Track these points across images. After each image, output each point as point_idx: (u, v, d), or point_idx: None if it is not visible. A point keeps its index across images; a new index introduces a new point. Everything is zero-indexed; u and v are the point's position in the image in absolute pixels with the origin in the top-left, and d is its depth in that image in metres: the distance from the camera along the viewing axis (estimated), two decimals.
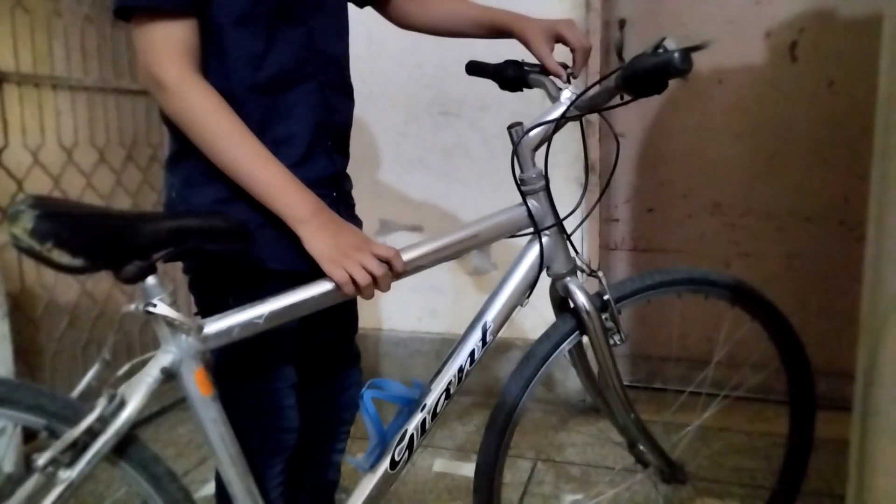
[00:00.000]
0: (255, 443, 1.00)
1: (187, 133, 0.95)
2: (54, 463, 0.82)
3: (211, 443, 0.93)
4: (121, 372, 0.90)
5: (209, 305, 1.02)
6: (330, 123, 1.10)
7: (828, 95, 2.12)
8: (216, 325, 0.91)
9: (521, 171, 1.13)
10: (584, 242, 2.21)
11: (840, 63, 2.09)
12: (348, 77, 1.16)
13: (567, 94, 1.13)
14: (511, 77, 1.23)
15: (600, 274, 1.17)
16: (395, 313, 2.52)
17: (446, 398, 1.09)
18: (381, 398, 1.04)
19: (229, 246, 0.95)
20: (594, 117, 1.15)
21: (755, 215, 2.25)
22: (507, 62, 1.24)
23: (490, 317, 1.11)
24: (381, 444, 1.05)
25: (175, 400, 2.22)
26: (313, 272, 0.97)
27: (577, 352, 1.24)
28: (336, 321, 1.21)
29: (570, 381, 2.31)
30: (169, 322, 0.87)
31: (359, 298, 1.03)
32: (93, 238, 0.81)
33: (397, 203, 2.45)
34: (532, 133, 1.12)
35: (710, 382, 1.50)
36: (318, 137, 1.08)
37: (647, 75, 0.93)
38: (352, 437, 1.33)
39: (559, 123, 1.12)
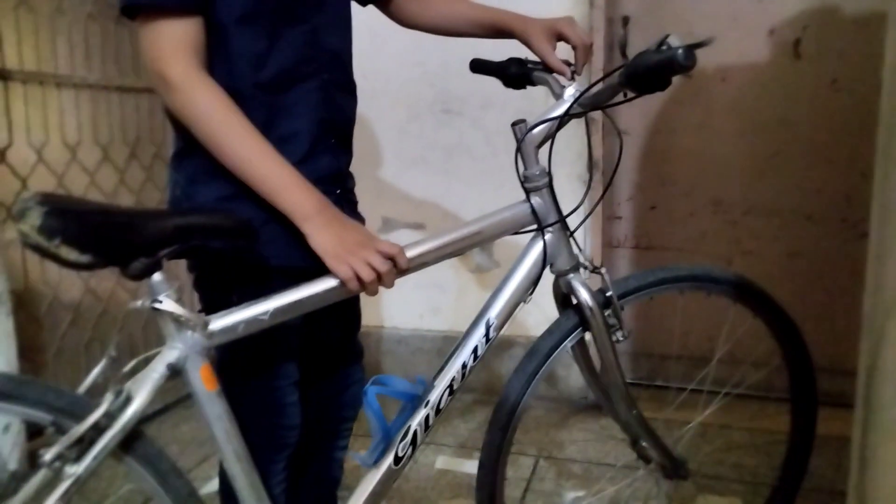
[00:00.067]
0: (257, 439, 1.00)
1: (193, 130, 0.96)
2: (61, 458, 0.83)
3: (216, 438, 0.94)
4: (127, 368, 0.90)
5: (213, 303, 1.02)
6: (333, 121, 1.11)
7: (831, 93, 2.12)
8: (221, 322, 0.92)
9: (525, 168, 1.13)
10: (586, 240, 2.21)
11: (843, 61, 2.09)
12: (351, 75, 1.16)
13: (570, 92, 1.14)
14: (515, 75, 1.24)
15: (603, 270, 1.17)
16: (397, 311, 2.53)
17: (450, 394, 1.09)
18: (385, 394, 1.04)
19: (234, 243, 0.95)
20: (597, 115, 1.15)
21: (757, 213, 2.25)
22: (511, 60, 1.25)
23: (493, 313, 1.12)
24: (385, 440, 1.05)
25: (178, 398, 2.23)
26: (317, 269, 0.97)
27: (580, 348, 1.25)
28: (339, 318, 1.22)
29: (572, 379, 2.31)
30: (175, 318, 0.88)
31: (362, 295, 1.03)
32: (100, 235, 0.81)
33: (399, 201, 2.46)
34: (536, 130, 1.12)
35: (711, 380, 1.50)
36: (322, 135, 1.08)
37: (650, 72, 0.93)
38: (354, 434, 1.33)
39: (563, 120, 1.12)
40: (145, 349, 0.90)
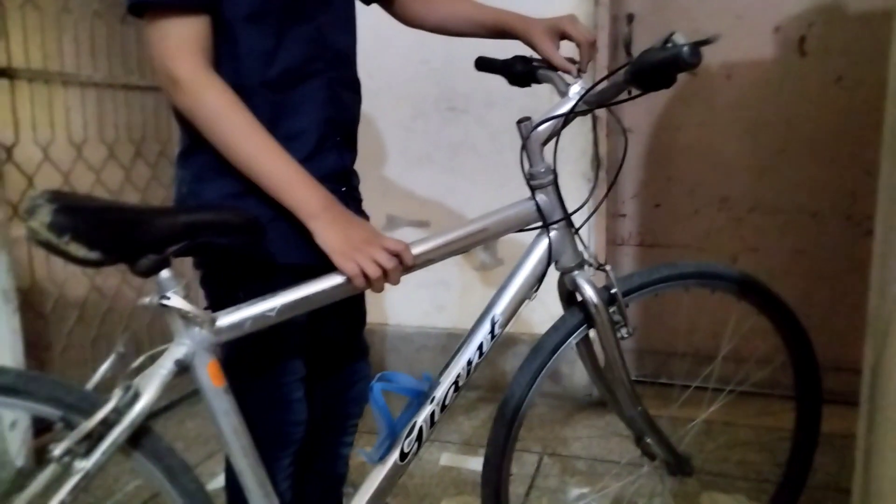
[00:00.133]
0: (263, 435, 1.00)
1: (200, 128, 0.96)
2: (70, 453, 0.83)
3: (223, 434, 0.95)
4: (135, 364, 0.91)
5: (220, 300, 1.03)
6: (339, 119, 1.11)
7: (836, 90, 2.12)
8: (229, 318, 0.92)
9: (530, 165, 1.14)
10: (590, 237, 2.22)
11: (849, 58, 2.09)
12: (356, 73, 1.17)
13: (576, 89, 1.14)
14: (520, 72, 1.24)
15: (608, 268, 1.17)
16: (401, 308, 2.53)
17: (455, 391, 1.10)
18: (391, 390, 1.05)
19: (241, 240, 0.95)
20: (601, 112, 1.16)
21: (762, 210, 2.25)
22: (516, 58, 1.25)
23: (499, 310, 1.12)
24: (391, 436, 1.06)
25: (182, 395, 2.24)
26: (323, 266, 0.98)
27: (585, 345, 1.25)
28: (344, 315, 1.22)
29: (576, 376, 2.32)
30: (183, 315, 0.88)
31: (367, 292, 1.04)
32: (109, 232, 0.82)
33: (404, 199, 2.46)
34: (541, 128, 1.12)
35: (716, 377, 1.50)
36: (327, 133, 1.09)
37: (656, 69, 0.93)
38: (359, 431, 1.34)
39: (568, 118, 1.12)
40: (150, 346, 0.91)
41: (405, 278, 1.01)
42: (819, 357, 1.36)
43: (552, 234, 1.14)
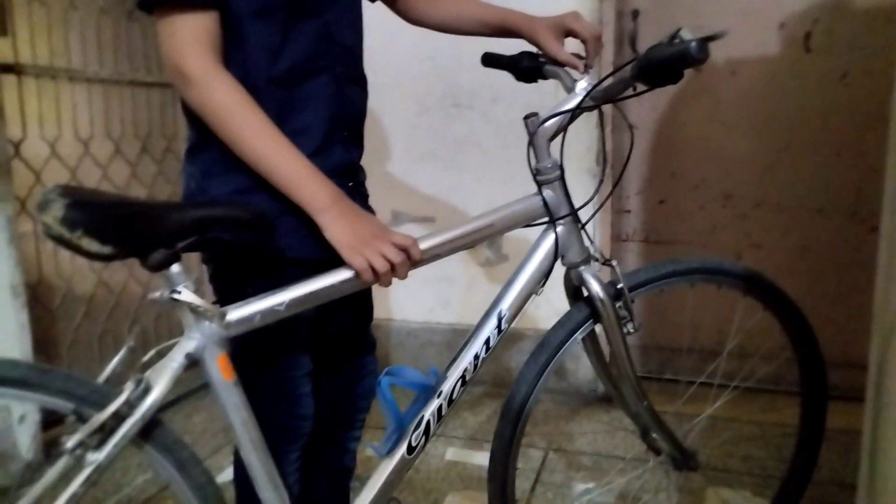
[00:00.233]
0: (271, 430, 1.01)
1: (209, 124, 0.97)
2: (82, 446, 0.84)
3: (233, 427, 0.95)
4: (146, 358, 0.92)
5: (228, 294, 1.03)
6: (345, 114, 1.12)
7: (841, 87, 2.11)
8: (238, 312, 0.93)
9: (537, 161, 1.14)
10: (595, 233, 2.22)
11: (854, 55, 2.08)
12: (362, 68, 1.17)
13: (582, 85, 1.14)
14: (526, 68, 1.24)
15: (614, 263, 1.18)
16: (407, 304, 2.54)
17: (462, 385, 1.11)
18: (399, 385, 1.05)
19: (250, 235, 0.96)
20: (607, 109, 1.16)
21: (767, 207, 2.25)
22: (523, 53, 1.25)
23: (505, 305, 1.13)
24: (399, 430, 1.06)
25: (189, 389, 2.25)
26: (331, 261, 0.98)
27: (591, 340, 1.25)
28: (352, 310, 1.23)
29: (581, 372, 2.32)
30: (193, 309, 0.89)
31: (373, 287, 1.04)
32: (120, 226, 0.83)
33: (409, 195, 2.47)
34: (548, 123, 1.13)
35: (721, 373, 1.51)
36: (334, 128, 1.09)
37: (663, 65, 0.94)
38: (366, 425, 1.35)
39: (575, 114, 1.13)
40: (157, 341, 0.91)
41: (411, 274, 1.01)
42: (824, 353, 1.36)
43: (559, 229, 1.15)
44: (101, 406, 0.85)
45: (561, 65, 1.20)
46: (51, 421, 1.94)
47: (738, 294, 1.30)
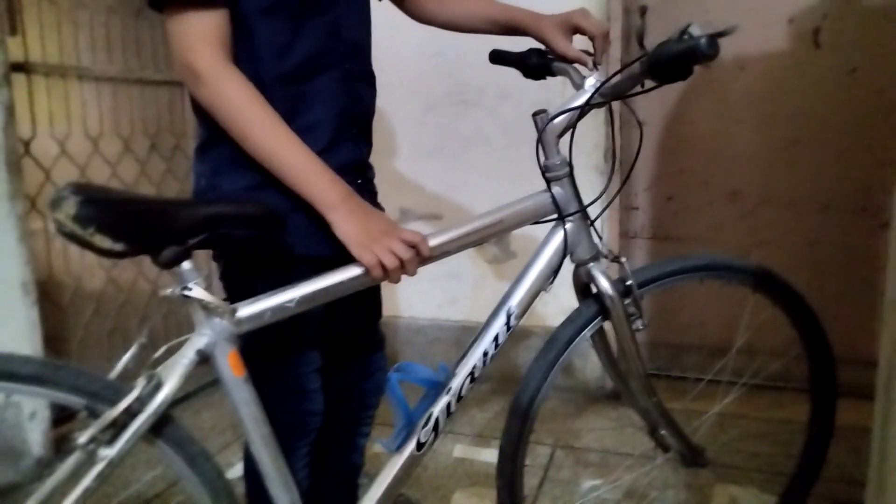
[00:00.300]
0: (280, 425, 1.02)
1: (219, 121, 0.97)
2: (95, 441, 0.85)
3: (243, 423, 0.96)
4: (157, 354, 0.92)
5: (238, 291, 1.04)
6: (354, 111, 1.12)
7: (850, 83, 2.10)
8: (249, 309, 0.94)
9: (546, 157, 1.14)
10: (603, 230, 2.22)
11: (863, 50, 2.07)
12: (371, 65, 1.18)
13: (591, 82, 1.14)
14: (535, 65, 1.24)
15: (623, 259, 1.18)
16: (414, 301, 2.55)
17: (471, 381, 1.11)
18: (408, 381, 1.06)
19: (260, 232, 0.96)
20: (615, 105, 1.16)
21: (775, 203, 2.25)
22: (531, 50, 1.25)
23: (514, 301, 1.13)
24: (408, 426, 1.07)
25: (197, 386, 2.26)
26: (340, 258, 0.99)
27: (600, 337, 1.25)
28: (361, 307, 1.23)
29: (589, 369, 2.32)
30: (204, 305, 0.90)
31: (382, 284, 1.05)
32: (132, 224, 0.83)
33: (416, 192, 2.47)
34: (557, 120, 1.13)
35: (730, 370, 1.50)
36: (343, 125, 1.09)
37: (673, 61, 0.94)
38: (375, 423, 1.35)
39: (584, 110, 1.13)
40: (166, 338, 0.92)
41: (419, 271, 1.02)
42: (833, 350, 1.35)
43: (568, 226, 1.15)
44: (113, 402, 0.85)
45: (569, 62, 1.20)
46: (61, 418, 1.95)
47: (748, 291, 1.30)
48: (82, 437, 0.84)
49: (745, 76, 2.21)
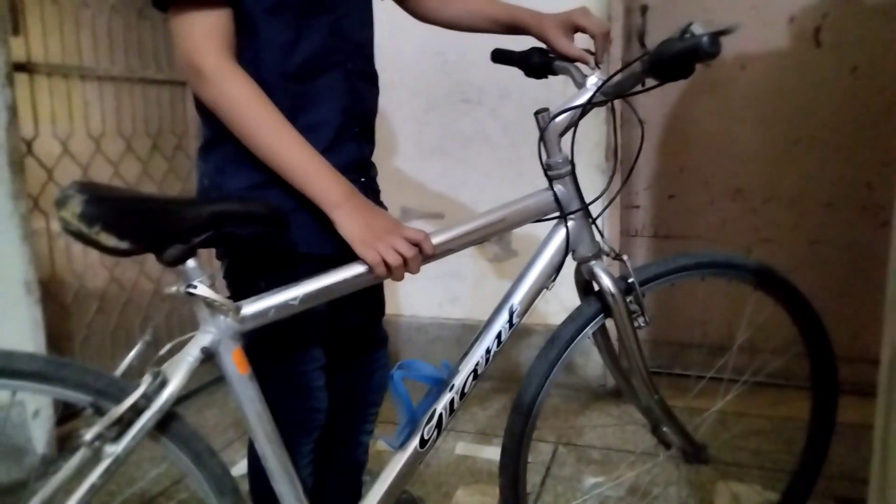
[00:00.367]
0: (285, 422, 1.02)
1: (223, 120, 0.98)
2: (100, 438, 0.85)
3: (248, 420, 0.97)
4: (162, 352, 0.93)
5: (242, 290, 1.04)
6: (357, 110, 1.12)
7: (851, 81, 2.11)
8: (253, 307, 0.94)
9: (548, 156, 1.15)
10: (605, 229, 2.22)
11: (864, 49, 2.08)
12: (373, 65, 1.18)
13: (593, 80, 1.15)
14: (536, 64, 1.25)
15: (625, 257, 1.18)
16: (416, 299, 2.55)
17: (474, 379, 1.11)
18: (411, 378, 1.06)
19: (264, 230, 0.97)
20: (616, 104, 1.17)
21: (777, 201, 2.25)
22: (533, 49, 1.26)
23: (517, 299, 1.13)
24: (411, 423, 1.07)
25: (200, 384, 2.27)
26: (344, 256, 0.99)
27: (602, 335, 1.26)
28: (364, 304, 1.24)
29: (590, 367, 2.33)
30: (209, 303, 0.90)
31: (385, 282, 1.05)
32: (138, 222, 0.84)
33: (418, 191, 2.48)
34: (559, 118, 1.13)
35: (731, 367, 1.51)
36: (346, 124, 1.10)
37: (675, 60, 0.94)
38: (378, 420, 1.36)
39: (585, 109, 1.13)
40: (168, 337, 0.93)
41: (420, 269, 1.02)
42: (834, 347, 1.36)
43: (570, 224, 1.15)
44: (119, 399, 0.86)
45: (571, 60, 1.20)
46: (65, 416, 1.96)
47: (749, 288, 1.31)
48: (88, 434, 0.84)
49: (746, 75, 2.21)
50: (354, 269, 0.99)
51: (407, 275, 1.00)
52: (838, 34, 2.10)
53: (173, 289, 0.90)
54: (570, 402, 2.27)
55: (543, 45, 1.25)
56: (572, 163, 1.15)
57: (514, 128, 2.33)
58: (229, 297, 0.95)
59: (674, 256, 1.26)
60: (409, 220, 2.48)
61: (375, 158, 1.21)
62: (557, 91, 2.12)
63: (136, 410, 0.86)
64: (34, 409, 1.86)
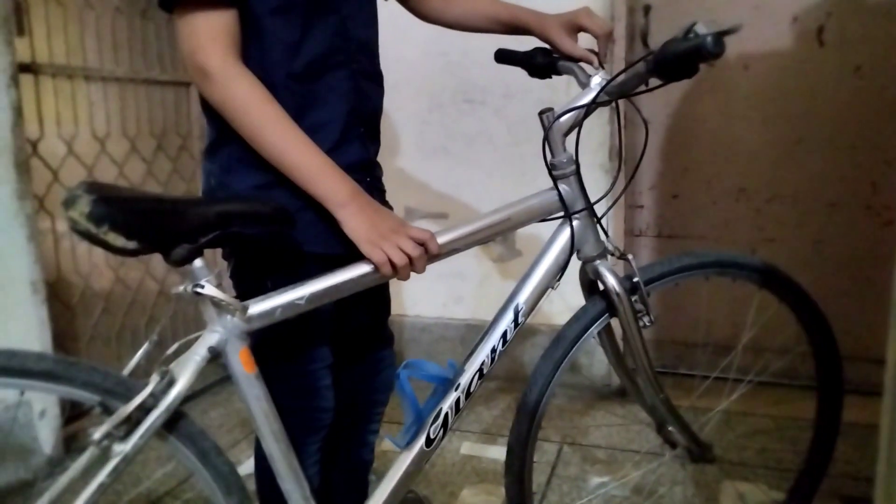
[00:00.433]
0: (292, 421, 1.02)
1: (229, 120, 0.98)
2: (109, 437, 0.86)
3: (255, 419, 0.97)
4: (170, 351, 0.93)
5: (249, 289, 1.05)
6: (362, 110, 1.13)
7: (855, 81, 2.11)
8: (260, 306, 0.94)
9: (552, 156, 1.15)
10: (609, 229, 2.21)
11: (867, 48, 2.08)
12: (378, 65, 1.18)
13: (597, 80, 1.15)
14: (540, 64, 1.25)
15: (630, 256, 1.18)
16: (420, 299, 2.55)
17: (479, 378, 1.11)
18: (417, 377, 1.06)
19: (271, 230, 0.97)
20: (620, 104, 1.17)
21: (780, 201, 2.25)
22: (536, 49, 1.26)
23: (522, 299, 1.13)
24: (417, 422, 1.07)
25: (206, 384, 2.28)
26: (349, 255, 1.00)
27: (607, 334, 1.26)
28: (370, 304, 1.24)
29: (595, 367, 2.33)
30: (216, 303, 0.91)
31: (391, 282, 1.05)
32: (145, 222, 0.84)
33: (421, 191, 2.48)
34: (563, 118, 1.13)
35: (736, 367, 1.51)
36: (351, 124, 1.10)
37: (679, 60, 0.94)
38: (383, 421, 1.36)
39: (590, 109, 1.13)
40: (173, 336, 0.93)
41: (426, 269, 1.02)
42: (839, 347, 1.36)
43: (574, 223, 1.15)
44: (127, 398, 0.86)
45: (575, 60, 1.20)
46: (71, 416, 1.97)
47: (754, 288, 1.31)
48: (97, 433, 0.85)
49: (750, 74, 2.21)
50: (360, 269, 0.99)
51: (412, 275, 1.01)
52: (842, 34, 2.10)
53: (180, 288, 0.91)
54: (575, 402, 2.28)
55: (547, 46, 1.25)
56: (577, 162, 1.15)
57: (517, 127, 2.33)
58: (236, 297, 0.95)
59: (678, 256, 1.26)
60: (412, 219, 2.48)
61: (379, 158, 1.21)
62: (561, 91, 2.12)
63: (145, 409, 0.86)
64: (40, 410, 1.86)
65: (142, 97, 2.41)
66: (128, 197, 0.86)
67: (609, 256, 1.20)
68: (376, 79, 1.18)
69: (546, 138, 1.14)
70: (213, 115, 1.02)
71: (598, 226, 1.18)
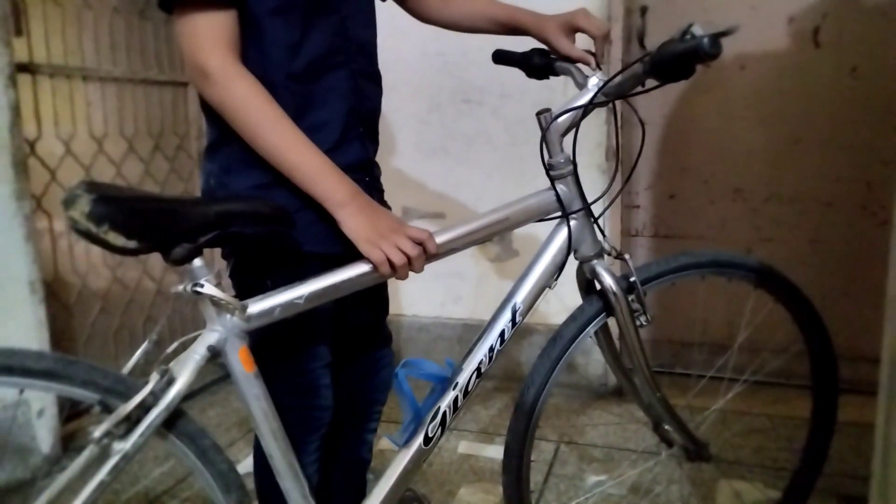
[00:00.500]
0: (291, 420, 1.03)
1: (229, 120, 0.98)
2: (109, 435, 0.86)
3: (254, 418, 0.97)
4: (169, 350, 0.93)
5: (248, 289, 1.05)
6: (361, 110, 1.13)
7: (851, 81, 2.12)
8: (259, 306, 0.95)
9: (550, 156, 1.16)
10: (606, 229, 2.22)
11: (863, 49, 2.09)
12: (377, 65, 1.19)
13: (594, 81, 1.15)
14: (538, 65, 1.26)
15: (627, 256, 1.19)
16: (418, 299, 2.56)
17: (477, 377, 1.12)
18: (416, 376, 1.07)
19: (270, 229, 0.98)
20: (616, 104, 1.18)
21: (777, 201, 2.26)
22: (534, 50, 1.27)
23: (520, 298, 1.14)
24: (416, 421, 1.08)
25: (204, 384, 2.28)
26: (348, 255, 1.00)
27: (604, 333, 1.27)
28: (368, 303, 1.24)
29: (591, 366, 2.33)
30: (215, 302, 0.91)
31: (389, 281, 1.06)
32: (145, 221, 0.85)
33: (420, 190, 2.49)
34: (560, 119, 1.14)
35: (732, 366, 1.52)
36: (351, 124, 1.11)
37: (676, 61, 0.95)
38: (381, 420, 1.36)
39: (587, 109, 1.14)
40: (171, 336, 0.93)
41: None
42: (834, 346, 1.37)
43: (572, 223, 1.16)
44: (126, 397, 0.87)
45: (572, 61, 1.21)
46: (69, 415, 1.97)
47: (750, 287, 1.31)
48: (97, 432, 0.85)
49: (746, 75, 2.22)
50: (359, 268, 1.00)
51: (410, 274, 1.01)
52: (838, 34, 2.11)
53: (180, 287, 0.91)
54: (572, 401, 2.28)
55: (544, 47, 1.26)
56: (574, 163, 1.16)
57: (515, 128, 2.34)
58: (235, 296, 0.95)
59: (675, 256, 1.27)
60: (410, 219, 2.49)
61: (377, 158, 1.22)
62: (559, 91, 2.13)
63: (144, 408, 0.87)
64: (39, 409, 1.87)
65: (139, 97, 2.41)
66: (128, 196, 0.87)
67: (606, 256, 1.20)
68: (375, 79, 1.18)
69: (544, 139, 1.15)
70: (213, 116, 1.02)
71: (595, 226, 1.19)
